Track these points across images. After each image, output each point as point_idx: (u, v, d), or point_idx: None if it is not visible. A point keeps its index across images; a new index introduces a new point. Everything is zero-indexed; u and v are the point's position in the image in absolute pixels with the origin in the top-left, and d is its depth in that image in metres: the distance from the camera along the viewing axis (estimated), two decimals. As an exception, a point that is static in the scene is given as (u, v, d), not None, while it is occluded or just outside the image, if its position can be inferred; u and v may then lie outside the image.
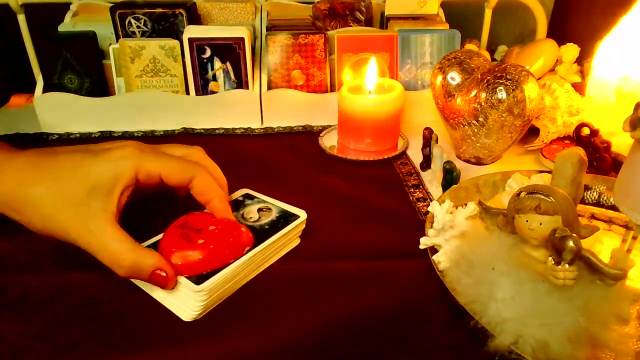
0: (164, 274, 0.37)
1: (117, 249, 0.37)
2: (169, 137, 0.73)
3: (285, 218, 0.46)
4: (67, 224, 0.37)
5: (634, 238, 0.41)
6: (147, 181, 0.41)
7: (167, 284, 0.37)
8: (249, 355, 0.35)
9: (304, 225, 0.47)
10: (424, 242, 0.44)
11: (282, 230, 0.44)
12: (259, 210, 0.47)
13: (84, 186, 0.37)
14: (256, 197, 0.49)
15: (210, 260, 0.38)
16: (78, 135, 0.73)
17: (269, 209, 0.47)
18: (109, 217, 0.37)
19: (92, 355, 0.35)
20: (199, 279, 0.37)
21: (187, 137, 0.73)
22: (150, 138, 0.73)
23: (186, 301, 0.38)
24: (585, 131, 0.64)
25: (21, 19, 0.82)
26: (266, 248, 0.42)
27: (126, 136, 0.74)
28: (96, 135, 0.74)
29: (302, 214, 0.46)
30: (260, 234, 0.43)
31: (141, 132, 0.74)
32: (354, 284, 0.42)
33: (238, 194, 0.50)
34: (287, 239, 0.45)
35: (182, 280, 0.38)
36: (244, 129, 0.76)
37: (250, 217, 0.46)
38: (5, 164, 0.39)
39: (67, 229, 0.37)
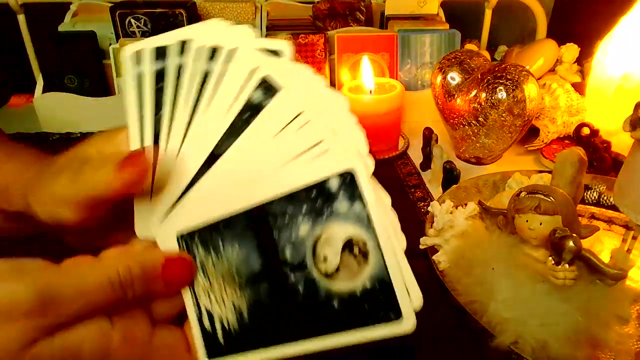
0: None
1: None
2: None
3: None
4: None
5: (634, 238, 0.41)
6: None
7: None
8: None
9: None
10: (424, 242, 0.44)
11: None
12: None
13: None
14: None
15: None
16: (78, 135, 0.73)
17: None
18: None
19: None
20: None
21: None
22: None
23: None
24: (585, 131, 0.64)
25: (21, 19, 0.82)
26: None
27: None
28: (96, 135, 0.74)
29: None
30: None
31: (141, 132, 0.74)
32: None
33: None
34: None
35: None
36: (244, 129, 0.76)
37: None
38: None
39: None
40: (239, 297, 0.25)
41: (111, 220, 0.27)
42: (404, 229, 0.56)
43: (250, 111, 0.24)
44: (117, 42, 0.75)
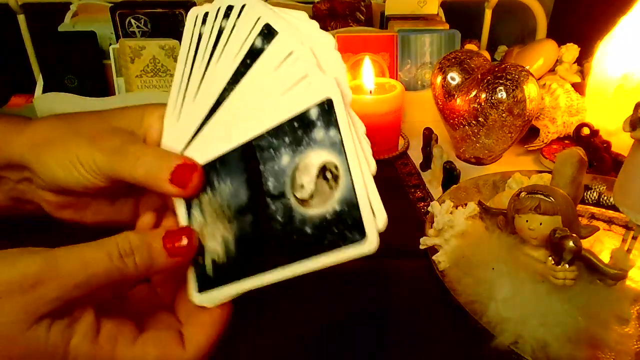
0: None
1: None
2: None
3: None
4: None
5: (634, 238, 0.41)
6: None
7: None
8: (245, 352, 0.35)
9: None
10: (424, 242, 0.44)
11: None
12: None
13: None
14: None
15: None
16: (78, 135, 0.73)
17: None
18: None
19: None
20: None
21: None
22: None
23: None
24: (585, 131, 0.64)
25: (21, 19, 0.82)
26: None
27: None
28: (96, 135, 0.74)
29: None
30: None
31: (141, 132, 0.74)
32: (355, 283, 0.42)
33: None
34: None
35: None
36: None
37: None
38: None
39: None
40: (228, 230, 0.26)
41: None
42: (404, 229, 0.56)
43: (252, 57, 0.25)
44: (117, 42, 0.75)
